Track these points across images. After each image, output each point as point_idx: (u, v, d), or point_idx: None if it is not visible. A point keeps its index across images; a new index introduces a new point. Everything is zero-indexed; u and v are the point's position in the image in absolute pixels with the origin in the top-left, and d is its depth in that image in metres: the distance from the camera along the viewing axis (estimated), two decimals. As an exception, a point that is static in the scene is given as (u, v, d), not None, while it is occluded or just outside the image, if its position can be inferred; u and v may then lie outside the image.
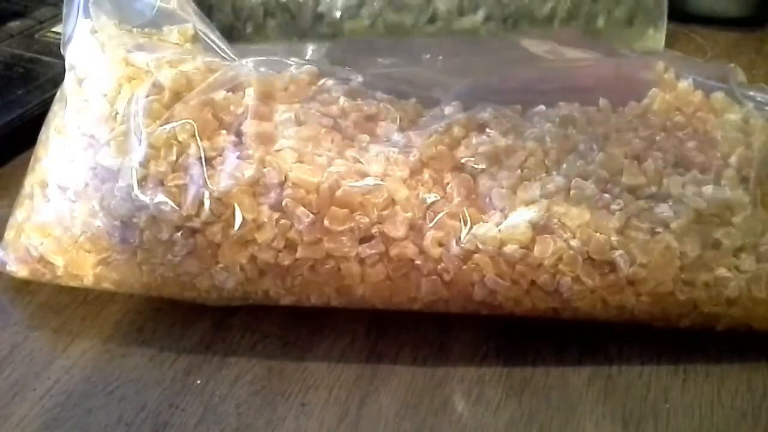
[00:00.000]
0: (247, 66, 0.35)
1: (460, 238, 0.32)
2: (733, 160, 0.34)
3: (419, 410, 0.32)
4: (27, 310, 0.36)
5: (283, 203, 0.32)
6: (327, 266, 0.32)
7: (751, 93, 0.37)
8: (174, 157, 0.32)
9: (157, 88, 0.33)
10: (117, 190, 0.32)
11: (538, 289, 0.33)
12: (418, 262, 0.32)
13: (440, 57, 0.36)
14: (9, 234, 0.36)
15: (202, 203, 0.32)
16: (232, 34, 0.36)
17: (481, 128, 0.35)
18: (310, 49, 0.37)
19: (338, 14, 0.36)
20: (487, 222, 0.32)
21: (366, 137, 0.34)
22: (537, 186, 0.33)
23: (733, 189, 0.33)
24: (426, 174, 0.33)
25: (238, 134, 0.33)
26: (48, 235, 0.34)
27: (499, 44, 0.36)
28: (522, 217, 0.32)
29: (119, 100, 0.33)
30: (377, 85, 0.36)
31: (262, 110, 0.34)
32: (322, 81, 0.36)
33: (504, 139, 0.34)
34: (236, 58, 0.36)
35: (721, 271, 0.32)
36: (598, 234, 0.32)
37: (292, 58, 0.36)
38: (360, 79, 0.36)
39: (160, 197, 0.32)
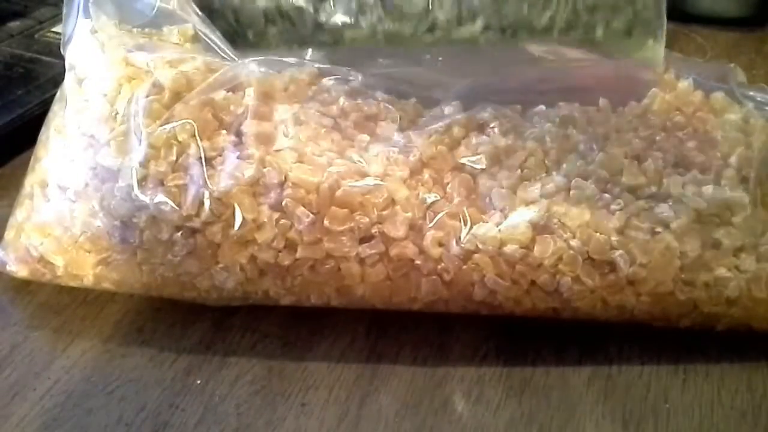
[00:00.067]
0: (247, 66, 0.35)
1: (460, 238, 0.32)
2: (733, 160, 0.34)
3: (419, 410, 0.32)
4: (27, 310, 0.36)
5: (283, 203, 0.32)
6: (327, 266, 0.32)
7: (751, 93, 0.37)
8: (174, 157, 0.32)
9: (157, 88, 0.33)
10: (117, 190, 0.32)
11: (538, 289, 0.33)
12: (418, 262, 0.32)
13: (440, 58, 0.36)
14: (9, 234, 0.36)
15: (202, 203, 0.32)
16: (233, 40, 0.36)
17: (481, 128, 0.35)
18: (309, 53, 0.37)
19: (338, 22, 0.36)
20: (487, 222, 0.32)
21: (366, 137, 0.34)
22: (537, 186, 0.33)
23: (733, 189, 0.33)
24: (426, 174, 0.33)
25: (238, 134, 0.33)
26: (48, 235, 0.34)
27: (499, 53, 0.36)
28: (522, 217, 0.32)
29: (119, 100, 0.33)
30: (377, 85, 0.36)
31: (262, 110, 0.34)
32: (322, 81, 0.36)
33: (504, 139, 0.34)
34: (236, 59, 0.36)
35: (721, 271, 0.32)
36: (598, 234, 0.32)
37: (292, 59, 0.37)
38: (360, 78, 0.36)
39: (160, 197, 0.32)
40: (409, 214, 0.32)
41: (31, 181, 0.36)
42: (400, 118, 0.35)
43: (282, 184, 0.32)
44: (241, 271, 0.33)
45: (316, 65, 0.36)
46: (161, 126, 0.32)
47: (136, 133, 0.32)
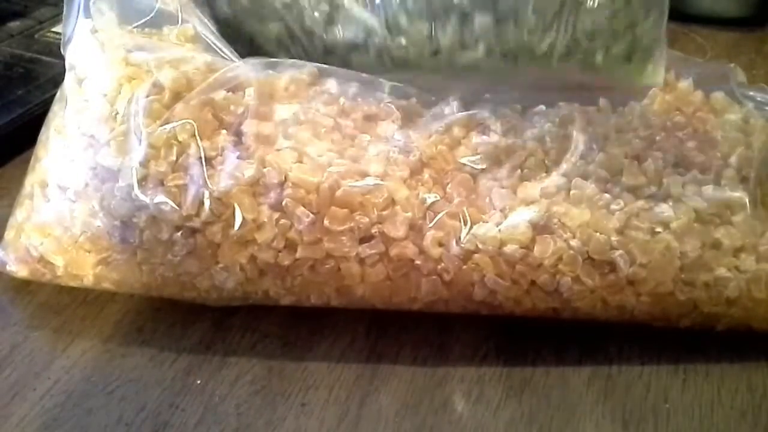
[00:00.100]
0: (247, 66, 0.35)
1: (460, 238, 0.32)
2: (733, 160, 0.34)
3: (419, 410, 0.32)
4: (27, 310, 0.36)
5: (283, 203, 0.32)
6: (327, 266, 0.32)
7: (751, 93, 0.37)
8: (174, 157, 0.32)
9: (158, 88, 0.33)
10: (117, 190, 0.32)
11: (538, 289, 0.33)
12: (418, 262, 0.32)
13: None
14: (9, 234, 0.36)
15: (202, 203, 0.32)
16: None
17: (481, 128, 0.35)
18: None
19: (347, 47, 0.37)
20: (487, 222, 0.32)
21: (366, 137, 0.34)
22: (537, 186, 0.33)
23: (733, 189, 0.33)
24: (426, 174, 0.33)
25: (238, 134, 0.33)
26: (48, 235, 0.34)
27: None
28: (522, 217, 0.32)
29: (119, 100, 0.33)
30: (377, 85, 0.36)
31: (262, 110, 0.34)
32: (323, 81, 0.36)
33: (504, 139, 0.34)
34: (236, 59, 0.36)
35: (721, 271, 0.32)
36: (598, 234, 0.32)
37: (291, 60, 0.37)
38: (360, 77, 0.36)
39: (160, 197, 0.32)
40: (409, 214, 0.32)
41: (31, 181, 0.36)
42: (400, 118, 0.35)
43: (282, 184, 0.32)
44: (241, 271, 0.33)
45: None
46: (161, 126, 0.32)
47: (136, 133, 0.32)
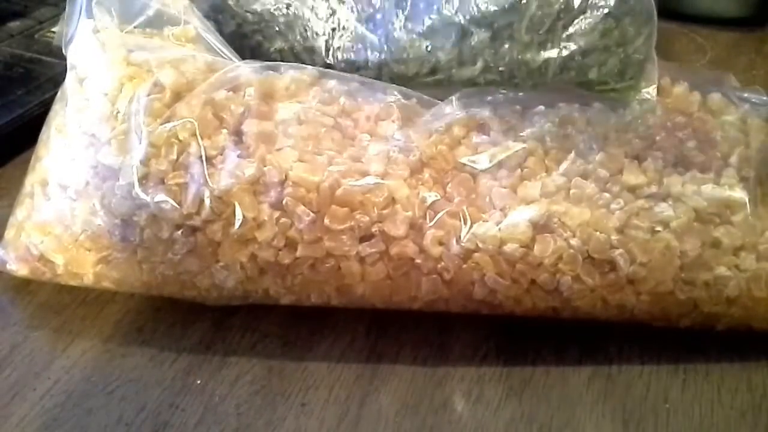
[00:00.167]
0: (248, 67, 0.35)
1: (460, 237, 0.32)
2: (733, 159, 0.34)
3: (419, 410, 0.32)
4: (27, 310, 0.36)
5: (284, 202, 0.32)
6: (327, 265, 0.32)
7: (746, 95, 0.37)
8: (175, 156, 0.32)
9: (158, 87, 0.33)
10: (118, 189, 0.32)
11: (538, 288, 0.33)
12: (418, 261, 0.32)
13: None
14: (9, 233, 0.36)
15: (202, 202, 0.32)
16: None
17: (481, 127, 0.35)
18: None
19: (347, 64, 0.38)
20: (487, 221, 0.32)
21: (366, 136, 0.34)
22: (537, 185, 0.33)
23: (733, 188, 0.33)
24: (426, 173, 0.33)
25: (239, 133, 0.33)
26: (48, 234, 0.34)
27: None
28: (522, 216, 0.32)
29: (120, 99, 0.33)
30: (377, 85, 0.36)
31: (262, 109, 0.34)
32: (323, 81, 0.36)
33: (504, 138, 0.34)
34: (237, 60, 0.36)
35: (721, 270, 0.32)
36: (598, 233, 0.32)
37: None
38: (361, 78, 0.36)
39: (161, 196, 0.32)
40: (410, 213, 0.32)
41: (31, 180, 0.36)
42: (400, 118, 0.35)
43: (282, 183, 0.32)
44: (242, 270, 0.33)
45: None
46: (162, 125, 0.32)
47: (136, 131, 0.32)
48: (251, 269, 0.33)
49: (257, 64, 0.36)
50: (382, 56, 0.37)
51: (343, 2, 0.38)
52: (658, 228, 0.32)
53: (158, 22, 0.37)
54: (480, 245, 0.32)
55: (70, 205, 0.33)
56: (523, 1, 0.36)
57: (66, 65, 0.36)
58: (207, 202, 0.32)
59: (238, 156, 0.32)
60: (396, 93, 0.36)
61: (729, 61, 0.56)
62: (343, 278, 0.33)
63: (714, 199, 0.33)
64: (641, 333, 0.34)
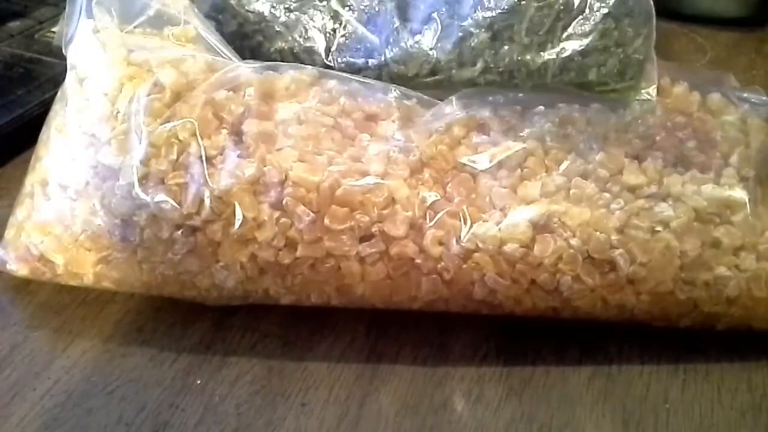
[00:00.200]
0: (248, 67, 0.35)
1: (460, 237, 0.32)
2: (733, 159, 0.34)
3: (419, 410, 0.32)
4: (27, 310, 0.36)
5: (284, 202, 0.32)
6: (327, 265, 0.32)
7: (746, 95, 0.37)
8: (175, 156, 0.32)
9: (158, 87, 0.33)
10: (118, 189, 0.32)
11: (538, 288, 0.33)
12: (418, 261, 0.32)
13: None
14: (9, 233, 0.36)
15: (202, 202, 0.32)
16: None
17: (481, 127, 0.35)
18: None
19: (346, 65, 0.38)
20: (487, 221, 0.32)
21: (366, 136, 0.34)
22: (537, 185, 0.33)
23: (733, 188, 0.33)
24: (426, 173, 0.33)
25: (239, 133, 0.33)
26: (48, 234, 0.34)
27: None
28: (522, 216, 0.32)
29: (120, 99, 0.33)
30: (378, 85, 0.36)
31: (262, 109, 0.34)
32: (323, 82, 0.36)
33: (504, 138, 0.34)
34: (237, 60, 0.36)
35: (721, 270, 0.32)
36: (598, 233, 0.32)
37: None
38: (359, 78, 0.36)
39: (161, 196, 0.32)
40: (410, 213, 0.32)
41: (31, 180, 0.36)
42: (400, 118, 0.35)
43: (282, 183, 0.32)
44: (242, 270, 0.33)
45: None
46: (162, 125, 0.32)
47: (136, 131, 0.32)
48: (251, 269, 0.33)
49: (257, 64, 0.36)
50: (383, 57, 0.38)
51: (344, 3, 0.39)
52: (658, 228, 0.32)
53: (158, 22, 0.37)
54: (480, 245, 0.32)
55: (70, 205, 0.33)
56: (522, 2, 0.36)
57: (66, 65, 0.36)
58: (207, 202, 0.32)
59: (238, 156, 0.32)
60: (396, 93, 0.36)
61: (729, 61, 0.56)
62: (343, 278, 0.33)
63: (714, 199, 0.33)
64: (641, 333, 0.34)
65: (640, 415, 0.32)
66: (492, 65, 0.37)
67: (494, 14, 0.36)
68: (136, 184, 0.32)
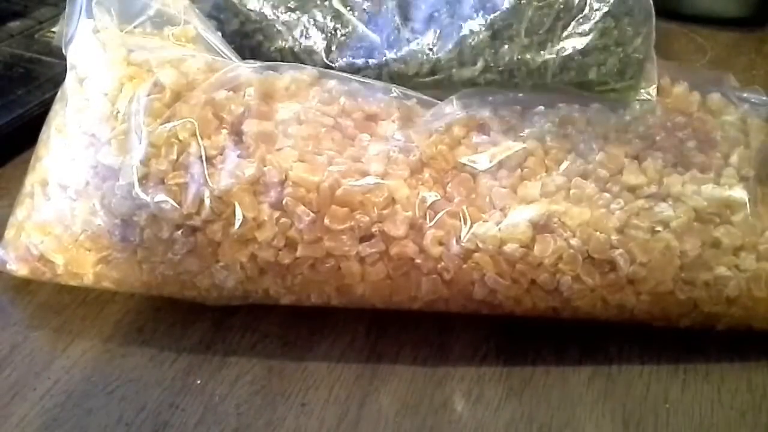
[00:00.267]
0: (248, 67, 0.35)
1: (460, 237, 0.32)
2: (733, 159, 0.34)
3: (419, 410, 0.32)
4: (27, 310, 0.36)
5: (284, 202, 0.32)
6: (327, 265, 0.32)
7: (746, 95, 0.37)
8: (175, 156, 0.32)
9: (158, 87, 0.33)
10: (118, 189, 0.32)
11: (539, 288, 0.33)
12: (418, 261, 0.32)
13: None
14: (9, 233, 0.36)
15: (202, 202, 0.32)
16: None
17: (481, 127, 0.35)
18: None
19: (346, 65, 0.38)
20: (487, 221, 0.32)
21: (366, 136, 0.34)
22: (537, 185, 0.33)
23: (733, 188, 0.33)
24: (426, 173, 0.33)
25: (239, 133, 0.33)
26: (48, 234, 0.34)
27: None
28: (522, 216, 0.32)
29: (120, 99, 0.33)
30: (378, 85, 0.36)
31: (262, 109, 0.34)
32: (323, 82, 0.36)
33: (504, 138, 0.34)
34: (237, 60, 0.36)
35: (721, 270, 0.32)
36: (598, 233, 0.32)
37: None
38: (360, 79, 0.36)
39: (161, 196, 0.32)
40: (410, 213, 0.32)
41: (31, 180, 0.36)
42: (400, 118, 0.35)
43: (282, 183, 0.32)
44: (242, 270, 0.33)
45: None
46: (162, 125, 0.32)
47: (136, 131, 0.32)
48: (251, 269, 0.33)
49: (257, 64, 0.36)
50: (383, 56, 0.38)
51: (346, 3, 0.39)
52: (658, 228, 0.32)
53: (158, 22, 0.37)
54: (480, 245, 0.32)
55: (70, 205, 0.33)
56: (522, 2, 0.36)
57: (66, 65, 0.36)
58: (207, 202, 0.32)
59: (238, 156, 0.32)
60: (396, 93, 0.36)
61: (729, 61, 0.56)
62: (343, 278, 0.33)
63: (714, 199, 0.33)
64: (641, 333, 0.34)
65: (640, 415, 0.32)
66: (492, 64, 0.37)
67: (494, 14, 0.36)
68: (136, 184, 0.32)
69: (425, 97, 0.36)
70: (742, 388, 0.33)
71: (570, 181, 0.33)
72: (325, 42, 0.38)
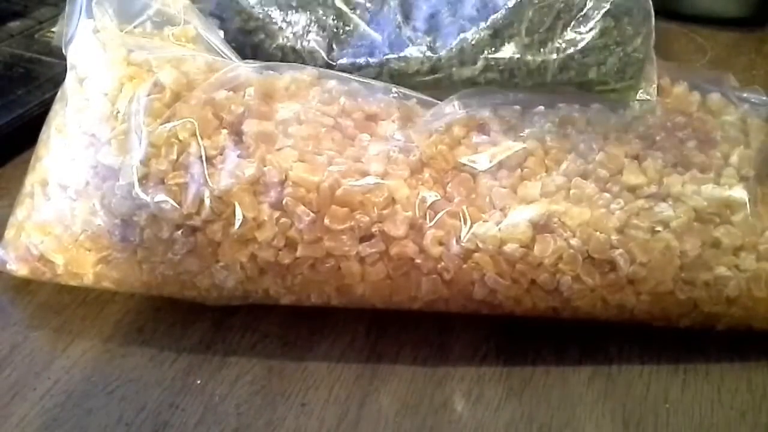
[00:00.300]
0: (248, 67, 0.35)
1: (460, 237, 0.32)
2: (733, 159, 0.34)
3: (419, 410, 0.32)
4: (27, 310, 0.36)
5: (284, 202, 0.32)
6: (327, 265, 0.32)
7: (746, 95, 0.38)
8: (175, 156, 0.32)
9: (158, 87, 0.33)
10: (118, 189, 0.32)
11: (538, 288, 0.33)
12: (418, 261, 0.32)
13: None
14: (9, 233, 0.36)
15: (202, 202, 0.32)
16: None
17: (481, 127, 0.35)
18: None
19: (348, 64, 0.38)
20: (487, 221, 0.32)
21: (366, 136, 0.34)
22: (537, 185, 0.33)
23: (733, 188, 0.33)
24: (426, 173, 0.33)
25: (239, 133, 0.33)
26: (48, 234, 0.34)
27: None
28: (522, 216, 0.32)
29: (120, 99, 0.33)
30: (377, 86, 0.36)
31: (262, 109, 0.34)
32: (323, 82, 0.36)
33: (504, 138, 0.34)
34: (237, 59, 0.36)
35: (721, 270, 0.32)
36: (598, 233, 0.32)
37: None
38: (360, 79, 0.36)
39: (161, 196, 0.32)
40: (410, 213, 0.32)
41: (31, 180, 0.36)
42: (400, 118, 0.35)
43: (282, 183, 0.32)
44: (242, 270, 0.33)
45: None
46: (162, 125, 0.32)
47: (136, 131, 0.32)
48: (251, 269, 0.33)
49: (257, 64, 0.36)
50: (384, 55, 0.38)
51: (348, 1, 0.39)
52: (658, 228, 0.32)
53: (158, 22, 0.37)
54: (480, 245, 0.32)
55: (70, 205, 0.33)
56: (523, 1, 0.36)
57: (66, 65, 0.36)
58: (207, 202, 0.32)
59: (238, 156, 0.32)
60: (396, 93, 0.36)
61: (729, 61, 0.56)
62: (343, 278, 0.33)
63: (714, 199, 0.33)
64: (641, 333, 0.34)
65: (640, 415, 0.32)
66: (492, 64, 0.37)
67: (495, 13, 0.36)
68: (136, 184, 0.32)
69: (425, 97, 0.36)
70: (742, 388, 0.33)
71: (570, 181, 0.33)
72: (327, 40, 0.38)
